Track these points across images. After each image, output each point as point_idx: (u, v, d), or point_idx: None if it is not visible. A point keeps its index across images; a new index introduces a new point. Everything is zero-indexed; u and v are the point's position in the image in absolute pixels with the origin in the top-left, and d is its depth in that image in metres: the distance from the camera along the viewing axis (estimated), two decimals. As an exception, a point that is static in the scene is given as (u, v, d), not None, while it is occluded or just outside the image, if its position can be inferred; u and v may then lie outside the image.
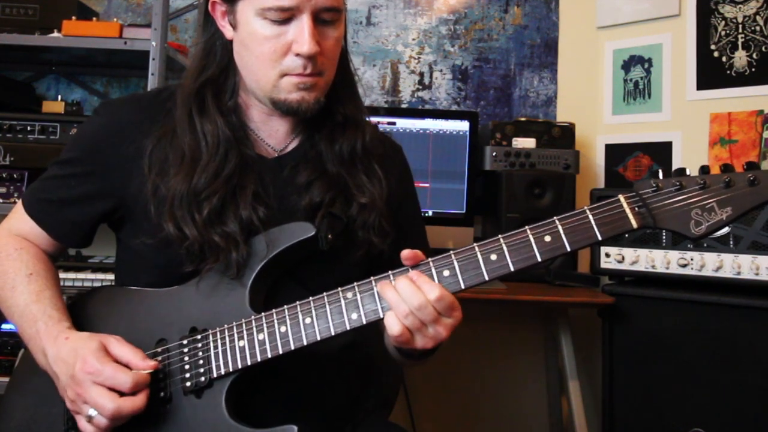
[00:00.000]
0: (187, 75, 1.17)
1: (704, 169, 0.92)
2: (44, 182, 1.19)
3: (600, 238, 0.93)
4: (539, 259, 0.94)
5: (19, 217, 1.19)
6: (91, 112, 2.14)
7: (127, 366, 1.00)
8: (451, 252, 0.97)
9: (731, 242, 1.81)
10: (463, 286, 0.96)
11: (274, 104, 1.11)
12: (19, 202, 1.21)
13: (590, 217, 0.94)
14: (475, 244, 0.97)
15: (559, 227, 0.94)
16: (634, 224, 0.92)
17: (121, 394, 0.97)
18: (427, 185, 2.29)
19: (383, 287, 0.96)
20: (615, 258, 2.01)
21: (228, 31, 1.13)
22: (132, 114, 1.16)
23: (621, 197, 0.94)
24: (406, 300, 0.93)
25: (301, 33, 1.04)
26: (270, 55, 1.06)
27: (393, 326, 0.94)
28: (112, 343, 1.02)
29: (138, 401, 0.98)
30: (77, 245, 1.20)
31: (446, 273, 0.96)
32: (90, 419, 0.97)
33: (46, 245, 1.19)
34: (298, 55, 1.05)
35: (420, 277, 0.95)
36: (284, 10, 1.03)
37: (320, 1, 1.04)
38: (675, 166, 2.41)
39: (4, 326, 1.92)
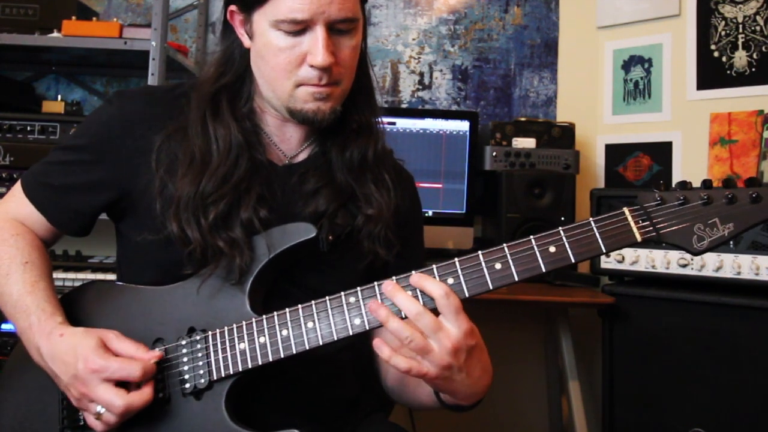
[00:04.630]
0: (203, 80, 1.16)
1: (706, 183, 0.92)
2: (48, 166, 1.17)
3: (605, 250, 0.93)
4: (543, 270, 0.94)
5: (18, 201, 1.16)
6: (89, 112, 2.14)
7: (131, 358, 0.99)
8: (456, 259, 0.96)
9: (731, 242, 1.81)
10: (467, 295, 0.95)
11: (291, 114, 1.11)
12: (18, 185, 1.18)
13: (595, 229, 0.94)
14: (479, 252, 0.96)
15: (564, 238, 0.94)
16: (638, 238, 0.93)
17: (128, 388, 0.97)
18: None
19: (382, 316, 0.94)
20: (615, 258, 2.01)
21: (245, 40, 1.12)
22: (145, 107, 1.15)
23: (625, 210, 0.94)
24: (405, 310, 0.93)
25: (315, 44, 1.03)
26: (285, 66, 1.06)
27: (399, 363, 0.92)
28: (111, 338, 1.01)
29: (145, 394, 0.98)
30: (76, 233, 1.18)
31: (450, 280, 0.95)
32: (99, 416, 0.97)
33: (43, 231, 1.17)
34: (312, 66, 1.05)
35: (421, 279, 0.94)
36: (298, 22, 1.02)
37: (334, 13, 1.03)
38: (675, 166, 2.41)
39: (4, 326, 1.92)
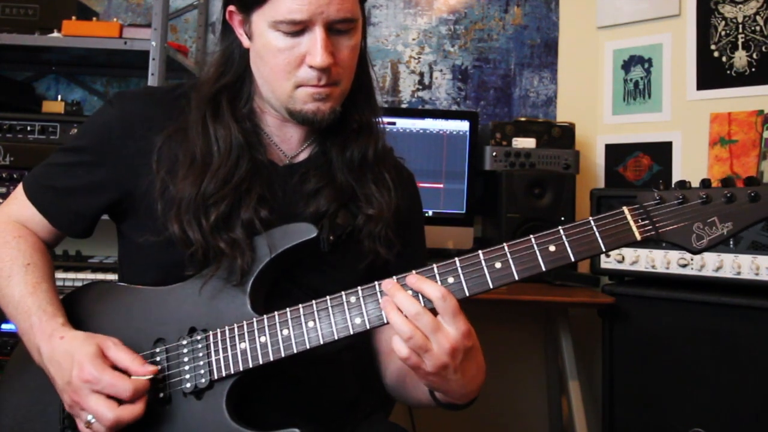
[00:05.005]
0: (203, 80, 1.16)
1: (705, 183, 0.93)
2: (49, 168, 1.17)
3: (604, 249, 0.94)
4: (543, 269, 0.94)
5: (20, 203, 1.17)
6: (90, 112, 2.14)
7: (125, 371, 0.98)
8: (456, 259, 0.96)
9: (731, 242, 1.81)
10: (467, 294, 0.95)
11: (290, 114, 1.11)
12: (20, 187, 1.18)
13: (594, 228, 0.94)
14: (480, 252, 0.96)
15: (564, 237, 0.94)
16: (638, 237, 0.93)
17: (120, 401, 0.96)
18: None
19: (387, 309, 0.94)
20: (615, 258, 2.01)
21: (245, 40, 1.12)
22: (145, 108, 1.15)
23: (625, 209, 0.94)
24: (405, 310, 0.92)
25: (314, 45, 1.03)
26: (284, 67, 1.06)
27: (401, 349, 0.92)
28: (110, 347, 1.00)
29: (137, 409, 0.97)
30: (78, 235, 1.18)
31: (451, 280, 0.96)
32: (89, 425, 0.96)
33: (45, 233, 1.17)
34: (311, 66, 1.05)
35: (419, 281, 0.94)
36: (296, 23, 1.02)
37: (332, 14, 1.03)
38: (675, 166, 2.41)
39: (4, 326, 1.93)
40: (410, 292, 0.95)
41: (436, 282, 0.95)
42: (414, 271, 0.96)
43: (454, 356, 0.93)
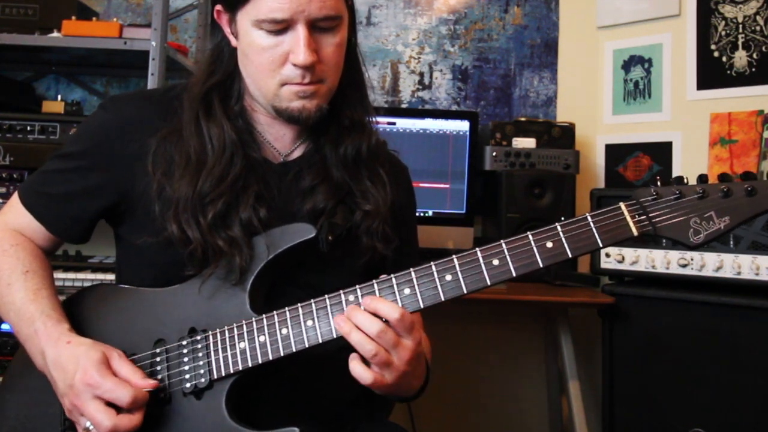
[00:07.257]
0: (194, 80, 1.17)
1: (702, 178, 0.93)
2: (44, 175, 1.17)
3: (601, 245, 0.94)
4: (541, 265, 0.95)
5: (16, 211, 1.17)
6: (89, 112, 2.14)
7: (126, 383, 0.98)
8: (454, 257, 0.97)
9: (731, 242, 1.81)
10: (465, 291, 0.96)
11: (277, 112, 1.12)
12: (15, 195, 1.18)
13: (591, 224, 0.95)
14: (477, 249, 0.97)
15: (561, 233, 0.95)
16: (635, 232, 0.94)
17: (118, 410, 0.96)
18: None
19: (346, 329, 0.96)
20: (615, 258, 2.01)
21: (232, 39, 1.13)
22: (139, 111, 1.15)
23: (622, 205, 0.95)
24: (366, 329, 0.94)
25: (296, 43, 1.04)
26: (268, 65, 1.07)
27: (363, 376, 0.96)
28: (115, 357, 1.01)
29: (134, 419, 0.97)
30: (76, 241, 1.18)
31: (449, 277, 0.96)
32: (87, 431, 0.97)
33: (42, 240, 1.17)
34: (295, 65, 1.05)
35: (374, 302, 0.96)
36: (278, 21, 1.03)
37: (314, 12, 1.03)
38: (675, 166, 2.41)
39: (4, 326, 1.92)
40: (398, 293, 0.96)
41: (435, 281, 0.96)
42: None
43: (410, 364, 0.97)
